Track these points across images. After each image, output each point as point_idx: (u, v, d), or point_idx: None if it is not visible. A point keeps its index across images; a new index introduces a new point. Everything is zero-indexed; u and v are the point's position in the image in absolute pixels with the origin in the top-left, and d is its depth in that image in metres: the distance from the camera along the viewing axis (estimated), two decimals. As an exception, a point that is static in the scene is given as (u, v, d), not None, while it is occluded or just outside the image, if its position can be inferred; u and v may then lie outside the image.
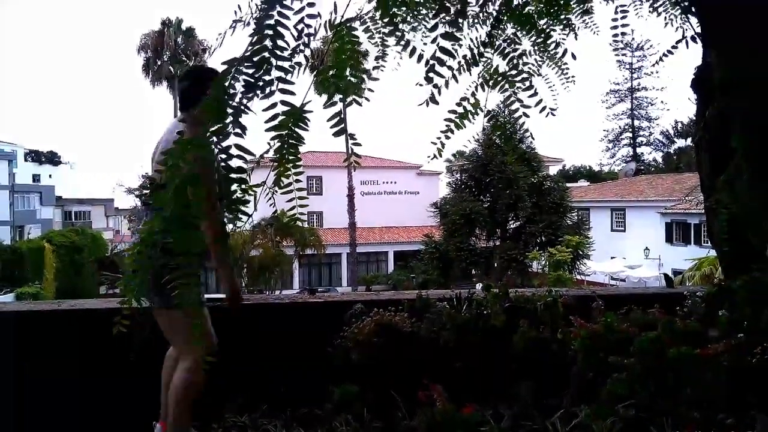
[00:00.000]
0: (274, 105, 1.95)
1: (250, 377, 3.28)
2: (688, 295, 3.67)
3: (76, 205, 60.14)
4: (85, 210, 61.07)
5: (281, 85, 1.94)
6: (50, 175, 61.81)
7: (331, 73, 2.22)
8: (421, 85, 2.60)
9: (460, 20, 2.83)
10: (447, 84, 3.42)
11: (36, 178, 59.45)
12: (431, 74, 2.51)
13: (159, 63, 41.62)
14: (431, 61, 2.46)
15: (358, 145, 2.11)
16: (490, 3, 3.68)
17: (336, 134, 2.04)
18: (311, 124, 2.13)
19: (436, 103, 2.77)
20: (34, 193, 52.78)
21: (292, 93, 1.96)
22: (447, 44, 2.44)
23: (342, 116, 2.09)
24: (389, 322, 3.22)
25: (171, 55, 41.54)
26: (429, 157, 3.32)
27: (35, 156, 62.84)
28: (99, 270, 36.48)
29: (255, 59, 1.90)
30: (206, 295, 3.19)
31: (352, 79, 2.32)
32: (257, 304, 3.54)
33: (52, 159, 65.15)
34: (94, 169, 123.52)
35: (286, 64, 1.95)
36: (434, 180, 45.44)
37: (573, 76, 3.64)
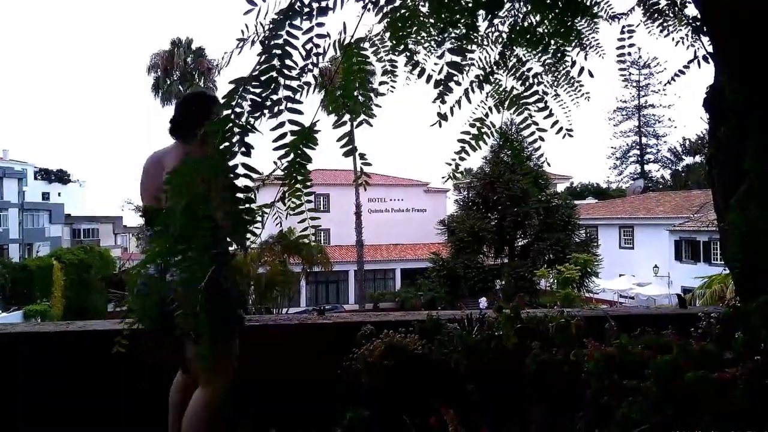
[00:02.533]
0: (282, 124, 1.93)
1: (259, 399, 3.23)
2: (703, 316, 3.60)
3: (84, 222, 60.44)
4: (93, 228, 61.35)
5: (289, 105, 1.93)
6: (59, 194, 62.23)
7: (339, 93, 2.21)
8: (436, 101, 2.58)
9: (471, 33, 2.81)
10: (459, 103, 3.41)
11: (45, 196, 59.85)
12: (442, 90, 2.49)
13: (168, 82, 41.96)
14: (442, 79, 2.45)
15: (368, 164, 2.09)
16: (499, 23, 3.67)
17: (346, 154, 2.02)
18: (319, 141, 2.12)
19: (445, 119, 2.74)
20: (43, 211, 53.10)
21: (300, 112, 1.94)
22: (456, 59, 2.41)
23: (351, 136, 2.07)
24: (399, 344, 3.17)
25: (180, 74, 41.89)
26: (444, 177, 3.29)
27: (45, 174, 63.31)
28: (107, 287, 36.57)
29: (263, 78, 1.88)
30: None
31: (361, 98, 2.31)
32: (265, 326, 3.49)
33: (62, 177, 65.61)
34: (103, 187, 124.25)
35: (294, 84, 1.94)
36: (442, 197, 45.43)
37: (587, 93, 3.61)
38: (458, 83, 2.54)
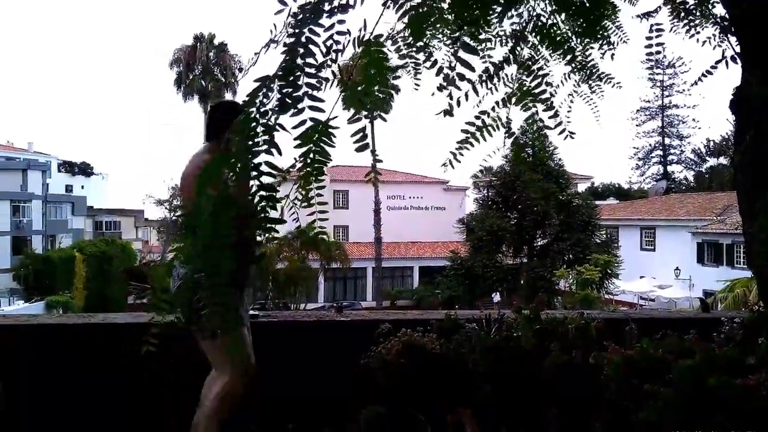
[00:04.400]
0: (303, 122, 1.93)
1: (276, 396, 3.24)
2: (726, 321, 3.54)
3: (106, 215, 61.15)
4: (115, 220, 62.05)
5: (310, 102, 1.93)
6: (82, 186, 63.08)
7: (358, 89, 2.20)
8: (433, 94, 2.57)
9: (484, 30, 2.79)
10: (467, 96, 3.38)
11: (69, 188, 60.69)
12: (446, 84, 2.47)
13: (191, 77, 42.27)
14: (446, 71, 2.43)
15: (380, 161, 2.10)
16: (517, 18, 3.63)
17: (359, 149, 2.02)
18: (338, 138, 2.12)
19: (451, 115, 2.72)
20: (66, 203, 53.78)
21: (321, 110, 1.94)
22: (468, 57, 2.39)
23: (365, 132, 2.06)
24: (417, 343, 3.15)
25: (203, 69, 42.20)
26: (443, 165, 3.27)
27: (68, 167, 64.17)
28: (128, 280, 36.98)
29: (288, 77, 1.89)
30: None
31: (380, 95, 2.30)
32: (283, 322, 3.50)
33: (85, 170, 66.48)
34: (125, 180, 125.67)
35: (314, 81, 1.94)
36: (461, 196, 45.28)
37: (619, 82, 3.55)
38: (470, 81, 2.52)
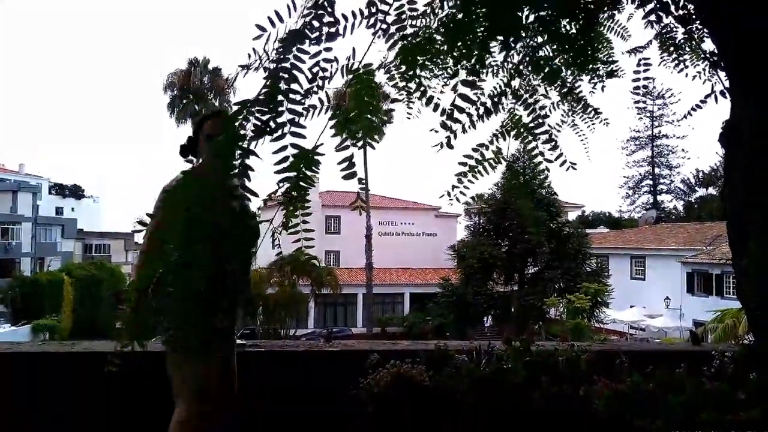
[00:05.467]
0: (284, 147, 1.91)
1: (264, 426, 3.17)
2: (716, 355, 3.51)
3: (96, 238, 60.68)
4: (105, 244, 61.59)
5: (292, 128, 1.91)
6: (73, 209, 62.75)
7: (345, 117, 2.18)
8: (436, 131, 2.55)
9: (480, 68, 2.79)
10: (464, 129, 3.37)
11: (59, 210, 60.34)
12: (448, 121, 2.46)
13: (185, 101, 42.32)
14: (448, 109, 2.42)
15: (366, 190, 2.07)
16: (514, 53, 3.65)
17: (346, 177, 2.00)
18: (330, 163, 2.10)
19: (451, 147, 2.71)
20: (56, 226, 53.44)
21: (302, 136, 1.92)
22: (467, 91, 2.38)
23: (353, 161, 2.04)
24: (406, 375, 3.10)
25: (196, 93, 42.27)
26: (443, 195, 3.23)
27: (59, 189, 63.91)
28: (117, 304, 36.58)
29: (268, 102, 1.86)
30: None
31: (370, 122, 2.28)
32: (271, 352, 3.44)
33: (76, 192, 66.22)
34: (116, 204, 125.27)
35: (298, 108, 1.92)
36: (452, 222, 45.32)
37: (606, 119, 3.57)
38: (469, 114, 2.51)
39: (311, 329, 36.33)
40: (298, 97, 2.00)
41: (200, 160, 2.90)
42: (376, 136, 2.33)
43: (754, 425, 2.80)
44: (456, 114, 2.46)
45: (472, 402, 3.02)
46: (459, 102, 2.41)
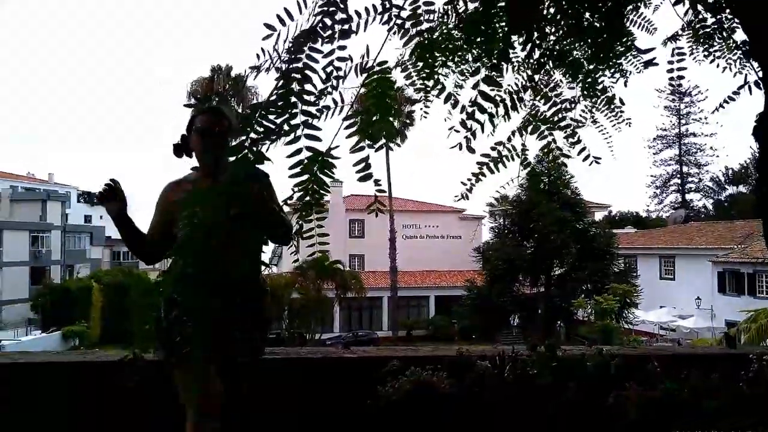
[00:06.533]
0: (299, 151, 1.84)
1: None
2: (754, 358, 3.36)
3: (124, 245, 61.34)
4: (132, 250, 62.10)
5: (306, 130, 1.84)
6: (101, 216, 63.54)
7: (359, 118, 2.10)
8: (457, 131, 2.46)
9: (502, 64, 2.69)
10: (482, 128, 3.29)
11: (87, 218, 61.21)
12: (469, 121, 2.36)
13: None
14: (469, 107, 2.32)
15: (383, 192, 1.99)
16: (536, 49, 3.55)
17: (361, 179, 1.92)
18: (353, 168, 2.03)
19: (472, 151, 2.62)
20: (84, 233, 54.19)
21: (317, 138, 1.85)
22: (487, 89, 2.28)
23: (368, 162, 1.96)
24: (426, 382, 3.01)
25: (219, 101, 42.56)
26: (456, 197, 3.17)
27: (88, 197, 64.80)
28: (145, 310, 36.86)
29: (280, 104, 1.79)
30: None
31: (390, 125, 2.20)
32: (287, 359, 3.36)
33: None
34: (143, 211, 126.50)
35: (312, 109, 1.84)
36: (477, 224, 45.06)
37: (629, 118, 3.46)
38: (490, 114, 2.41)
39: (337, 333, 36.34)
40: (311, 98, 1.93)
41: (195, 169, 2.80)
42: (396, 140, 2.24)
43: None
44: (477, 114, 2.35)
45: (496, 410, 2.92)
46: (480, 100, 2.30)
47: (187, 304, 1.78)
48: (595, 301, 28.67)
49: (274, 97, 1.81)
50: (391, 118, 2.23)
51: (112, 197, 2.77)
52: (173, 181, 2.84)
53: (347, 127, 2.17)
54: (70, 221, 52.98)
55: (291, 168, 1.88)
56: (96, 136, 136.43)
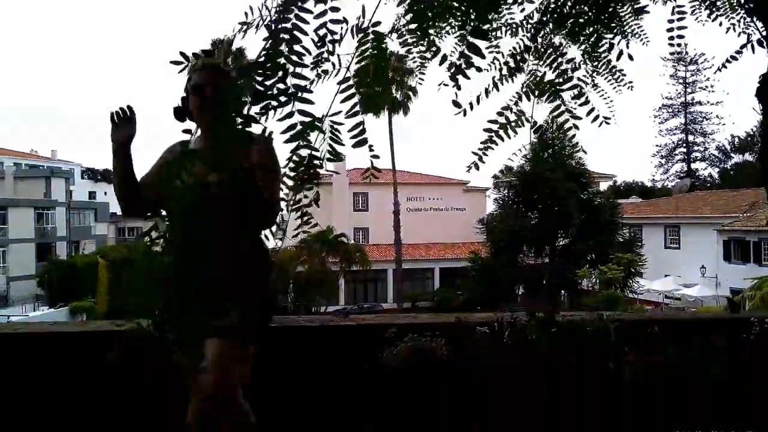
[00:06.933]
0: (291, 114, 1.80)
1: (276, 406, 3.10)
2: (756, 322, 3.34)
3: (129, 221, 61.59)
4: (138, 226, 62.41)
5: (299, 94, 1.78)
6: (105, 192, 63.68)
7: (353, 81, 2.06)
8: (446, 85, 2.41)
9: (491, 16, 2.63)
10: (487, 93, 3.23)
11: (92, 195, 61.34)
12: (454, 73, 2.31)
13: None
14: (454, 60, 2.27)
15: (377, 157, 1.96)
16: (535, 11, 3.49)
17: (355, 145, 1.87)
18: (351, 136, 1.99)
19: (459, 106, 2.57)
20: (89, 210, 54.32)
21: (310, 102, 1.80)
22: (476, 41, 2.22)
23: (363, 127, 1.92)
24: (424, 348, 3.00)
25: (206, 55, 42.12)
26: (467, 167, 3.14)
27: (92, 174, 64.93)
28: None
29: (268, 65, 1.74)
30: None
31: (379, 84, 2.16)
32: (284, 327, 3.36)
33: (108, 176, 67.20)
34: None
35: (305, 71, 1.77)
36: (481, 196, 44.94)
37: (631, 82, 3.40)
38: (479, 69, 2.35)
39: (342, 306, 36.54)
40: (306, 61, 1.86)
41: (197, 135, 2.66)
42: (399, 111, 2.20)
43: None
44: (468, 71, 2.29)
45: (495, 375, 2.92)
46: (468, 54, 2.23)
47: (181, 273, 1.75)
48: (599, 271, 28.73)
49: (262, 58, 1.76)
50: (385, 78, 2.19)
51: (125, 122, 2.55)
52: (181, 140, 2.71)
53: (342, 91, 2.13)
54: (75, 198, 53.11)
55: (283, 132, 1.84)
56: (98, 112, 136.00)
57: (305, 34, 1.88)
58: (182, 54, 1.96)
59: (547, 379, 2.94)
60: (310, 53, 2.08)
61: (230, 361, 2.31)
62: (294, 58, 1.82)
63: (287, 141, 1.84)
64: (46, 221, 47.00)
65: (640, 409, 2.93)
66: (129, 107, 2.56)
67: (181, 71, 1.98)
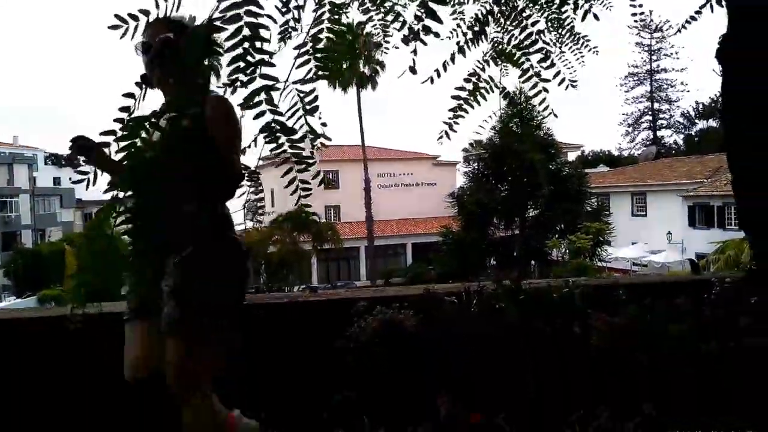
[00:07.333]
0: (253, 79, 1.71)
1: (246, 382, 3.07)
2: (716, 282, 3.39)
3: (95, 207, 60.35)
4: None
5: (257, 55, 1.67)
6: (70, 178, 62.23)
7: (309, 46, 2.00)
8: (396, 47, 2.37)
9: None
10: (453, 59, 3.19)
11: (57, 181, 60.01)
12: (411, 37, 2.27)
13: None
14: (415, 26, 2.23)
15: (324, 125, 1.91)
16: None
17: (308, 112, 1.81)
18: (324, 116, 1.94)
19: (414, 72, 2.53)
20: (54, 197, 53.24)
21: (271, 64, 1.71)
22: (433, 5, 2.18)
23: (316, 94, 1.86)
24: (393, 321, 2.99)
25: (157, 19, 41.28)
26: (439, 137, 3.11)
27: (56, 159, 63.40)
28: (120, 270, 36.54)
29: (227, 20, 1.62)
30: None
31: (337, 50, 2.11)
32: (253, 305, 3.32)
33: (72, 162, 65.62)
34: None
35: (265, 33, 1.67)
36: (451, 170, 45.05)
37: (596, 47, 3.39)
38: (437, 34, 2.31)
39: (315, 285, 36.53)
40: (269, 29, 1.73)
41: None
42: (368, 86, 2.16)
43: (758, 351, 2.70)
44: (426, 36, 2.25)
45: (463, 345, 2.92)
46: (429, 22, 2.19)
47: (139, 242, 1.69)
48: (568, 241, 29.11)
49: (218, 14, 1.65)
50: (344, 45, 2.14)
51: (86, 150, 2.46)
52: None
53: (298, 56, 2.07)
54: (39, 184, 51.96)
55: (244, 100, 1.75)
56: (62, 95, 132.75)
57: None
58: (117, 17, 1.81)
59: (515, 346, 2.95)
60: (275, 21, 2.02)
61: (180, 358, 2.23)
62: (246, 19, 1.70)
63: (247, 104, 1.75)
64: (10, 209, 46.00)
65: (608, 372, 2.97)
66: (78, 141, 2.46)
67: (122, 37, 1.84)
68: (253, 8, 1.67)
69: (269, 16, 1.95)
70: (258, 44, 1.67)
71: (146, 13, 1.73)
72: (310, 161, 1.92)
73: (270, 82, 1.72)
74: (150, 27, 2.21)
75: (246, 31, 1.65)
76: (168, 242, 2.20)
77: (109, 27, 1.72)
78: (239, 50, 1.66)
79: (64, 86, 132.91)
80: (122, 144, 1.56)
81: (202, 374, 2.31)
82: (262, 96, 1.70)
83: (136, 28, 1.89)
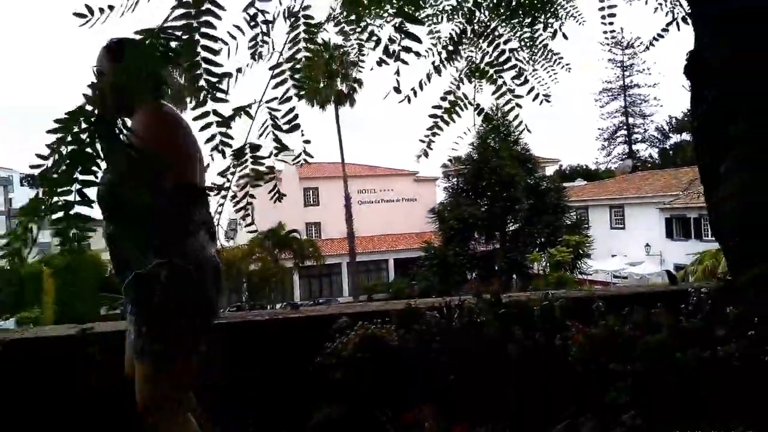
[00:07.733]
0: (206, 114, 1.72)
1: (225, 400, 3.05)
2: (693, 292, 3.45)
3: (73, 227, 59.65)
4: (84, 232, 60.49)
5: (207, 66, 1.66)
6: (46, 199, 61.56)
7: (286, 67, 2.02)
8: (379, 64, 2.40)
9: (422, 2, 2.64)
10: (429, 78, 3.24)
11: (32, 202, 59.14)
12: (389, 57, 2.30)
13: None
14: (391, 47, 2.26)
15: (308, 142, 1.93)
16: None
17: (288, 131, 1.84)
18: (306, 134, 1.96)
19: (399, 91, 2.56)
20: (30, 218, 52.47)
21: (225, 101, 1.70)
22: (410, 27, 2.22)
23: (295, 112, 1.89)
24: (375, 336, 3.00)
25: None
26: (417, 156, 3.14)
27: (32, 180, 62.58)
28: (98, 290, 36.13)
29: (179, 33, 1.61)
30: None
31: (312, 69, 2.13)
32: (233, 323, 3.31)
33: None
34: (91, 191, 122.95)
35: (216, 46, 1.66)
36: (431, 186, 45.22)
37: (568, 64, 3.46)
38: (417, 54, 2.35)
39: (297, 302, 36.33)
40: (213, 32, 1.66)
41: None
42: (345, 103, 2.18)
43: (733, 360, 2.74)
44: (407, 56, 2.29)
45: (445, 359, 2.93)
46: (407, 42, 2.23)
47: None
48: (549, 254, 29.29)
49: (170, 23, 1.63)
50: (316, 65, 2.17)
51: None
52: None
53: (274, 76, 2.09)
54: (15, 205, 51.22)
55: (195, 119, 1.75)
56: (61, 96, 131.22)
57: (222, 8, 1.73)
58: (87, 7, 1.75)
59: (496, 359, 2.96)
60: (234, 37, 2.03)
61: (148, 381, 2.19)
62: (205, 30, 1.64)
63: (199, 117, 1.76)
64: (-16, 231, 45.24)
65: (589, 383, 2.99)
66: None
67: (87, 25, 1.78)
68: (210, 18, 1.66)
69: (230, 34, 1.97)
70: (212, 67, 1.66)
71: (111, 8, 1.72)
72: (268, 176, 1.94)
73: (220, 105, 1.74)
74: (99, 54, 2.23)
75: (203, 53, 1.64)
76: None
77: (74, 14, 1.71)
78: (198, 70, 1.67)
79: (64, 86, 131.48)
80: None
81: (170, 399, 2.25)
82: (212, 118, 1.72)
83: (100, 20, 1.84)
